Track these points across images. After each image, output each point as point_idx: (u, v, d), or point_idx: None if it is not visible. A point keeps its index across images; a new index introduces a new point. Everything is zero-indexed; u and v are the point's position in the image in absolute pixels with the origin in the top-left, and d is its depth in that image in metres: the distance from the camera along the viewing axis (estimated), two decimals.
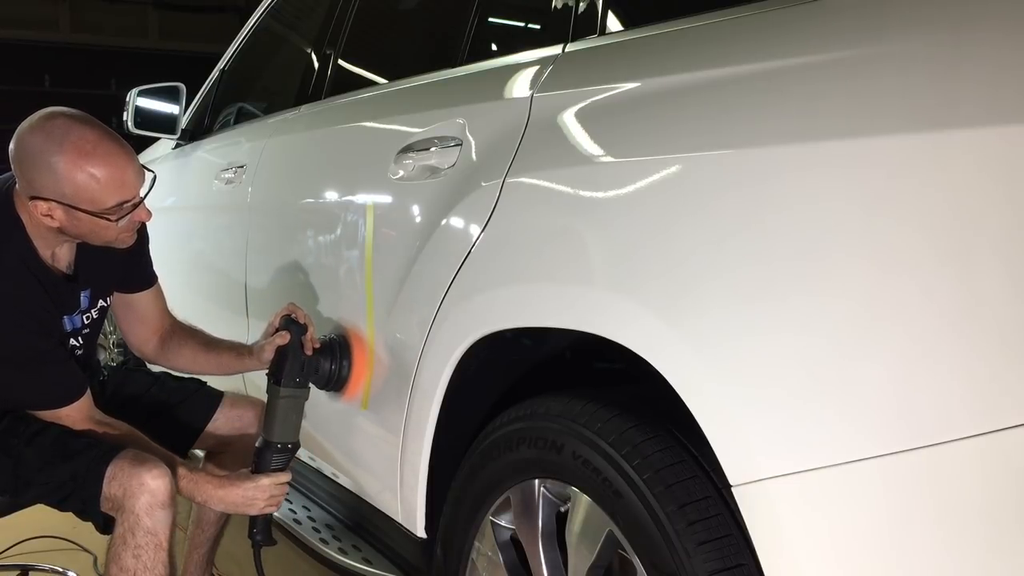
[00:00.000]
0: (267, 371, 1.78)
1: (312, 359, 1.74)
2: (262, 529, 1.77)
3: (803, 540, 0.93)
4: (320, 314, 1.86)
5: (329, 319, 1.86)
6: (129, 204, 1.56)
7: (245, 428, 1.93)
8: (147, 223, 1.75)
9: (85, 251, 1.68)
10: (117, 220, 1.55)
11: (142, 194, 1.59)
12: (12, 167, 1.54)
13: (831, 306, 0.91)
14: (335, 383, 1.77)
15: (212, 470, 1.82)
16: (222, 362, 1.88)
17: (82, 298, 1.69)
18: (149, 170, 1.61)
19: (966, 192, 0.83)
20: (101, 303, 1.76)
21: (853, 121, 0.91)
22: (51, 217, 1.53)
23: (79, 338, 1.72)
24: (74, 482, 1.55)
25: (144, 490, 1.51)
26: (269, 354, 1.77)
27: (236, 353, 1.86)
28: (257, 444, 1.75)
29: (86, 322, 1.72)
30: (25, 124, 1.53)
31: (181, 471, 1.64)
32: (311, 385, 1.77)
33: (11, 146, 1.53)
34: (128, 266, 1.80)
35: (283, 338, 1.74)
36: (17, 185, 1.57)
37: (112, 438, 1.62)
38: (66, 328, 1.67)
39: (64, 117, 1.53)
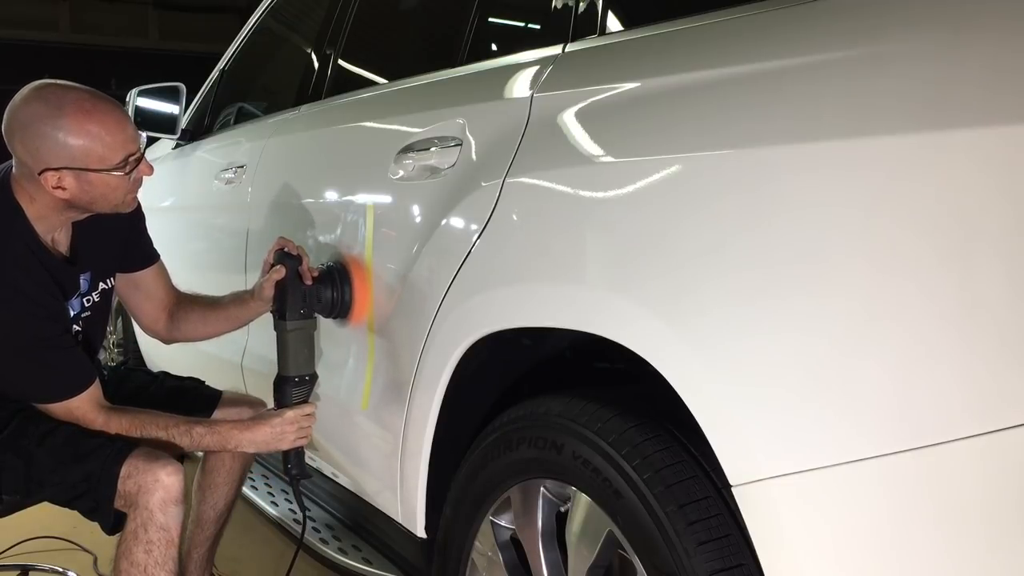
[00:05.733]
0: (272, 308, 1.79)
1: (312, 288, 1.75)
2: (296, 463, 1.80)
3: (803, 540, 0.93)
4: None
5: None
6: (134, 158, 1.58)
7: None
8: (143, 215, 1.82)
9: (83, 233, 1.69)
10: (128, 173, 1.57)
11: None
12: (10, 146, 1.54)
13: (831, 306, 0.91)
14: (339, 310, 1.77)
15: (239, 415, 1.85)
16: (230, 315, 1.89)
17: (81, 281, 1.70)
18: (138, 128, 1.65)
19: (966, 192, 0.83)
20: (102, 286, 1.76)
21: (853, 121, 0.91)
22: (62, 188, 1.53)
23: (79, 323, 1.71)
24: (87, 483, 1.56)
25: (159, 486, 1.52)
26: (269, 291, 1.78)
27: (240, 302, 1.87)
28: (275, 382, 1.76)
29: (86, 305, 1.72)
30: (17, 100, 1.54)
31: (200, 429, 1.66)
32: (316, 315, 1.77)
33: (5, 125, 1.53)
34: (127, 245, 1.81)
35: (279, 272, 1.75)
36: (15, 170, 1.58)
37: (123, 438, 1.62)
38: (69, 314, 1.67)
39: (54, 85, 1.56)
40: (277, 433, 1.70)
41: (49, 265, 1.59)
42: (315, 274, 1.77)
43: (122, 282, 1.86)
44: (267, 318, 1.83)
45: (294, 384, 1.74)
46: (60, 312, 1.61)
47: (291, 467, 1.79)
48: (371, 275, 1.71)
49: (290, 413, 1.71)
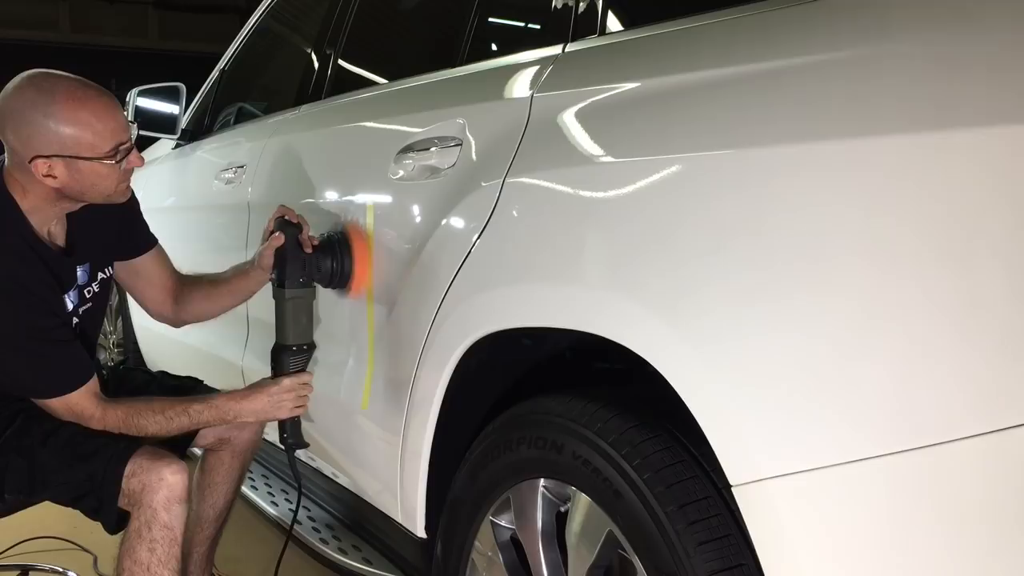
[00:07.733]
0: (271, 276, 1.79)
1: (312, 257, 1.74)
2: (292, 432, 1.80)
3: (803, 540, 0.93)
4: (319, 313, 1.86)
5: (329, 318, 1.86)
6: (124, 147, 1.58)
7: (242, 425, 1.93)
8: (138, 201, 1.81)
9: (78, 224, 1.68)
10: (118, 162, 1.57)
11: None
12: (2, 135, 1.54)
13: (831, 306, 0.91)
14: (338, 280, 1.76)
15: (232, 390, 1.84)
16: (232, 288, 1.89)
17: (79, 273, 1.69)
18: (132, 121, 1.64)
19: (966, 192, 0.83)
20: (101, 276, 1.76)
21: (852, 121, 0.91)
22: (53, 176, 1.53)
23: (79, 315, 1.71)
24: (91, 482, 1.56)
25: (163, 485, 1.52)
26: (269, 259, 1.78)
27: (242, 274, 1.87)
28: (272, 350, 1.76)
29: (87, 296, 1.72)
30: (9, 88, 1.53)
31: (198, 406, 1.67)
32: (316, 285, 1.77)
33: None
34: (123, 231, 1.81)
35: (279, 240, 1.75)
36: (8, 162, 1.57)
37: (127, 437, 1.62)
38: (67, 307, 1.67)
39: (45, 74, 1.55)
40: (275, 402, 1.71)
41: (46, 257, 1.59)
42: (315, 243, 1.76)
43: (123, 271, 1.85)
44: (267, 314, 1.83)
45: (292, 353, 1.74)
46: (58, 305, 1.61)
47: (287, 436, 1.79)
48: (371, 271, 1.70)
49: (287, 381, 1.72)
